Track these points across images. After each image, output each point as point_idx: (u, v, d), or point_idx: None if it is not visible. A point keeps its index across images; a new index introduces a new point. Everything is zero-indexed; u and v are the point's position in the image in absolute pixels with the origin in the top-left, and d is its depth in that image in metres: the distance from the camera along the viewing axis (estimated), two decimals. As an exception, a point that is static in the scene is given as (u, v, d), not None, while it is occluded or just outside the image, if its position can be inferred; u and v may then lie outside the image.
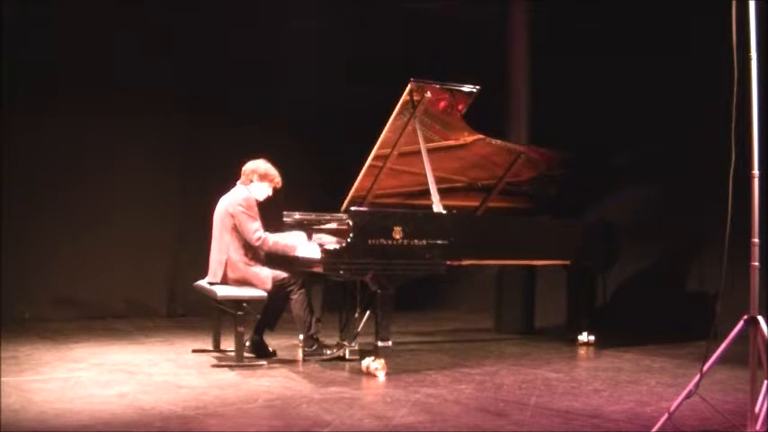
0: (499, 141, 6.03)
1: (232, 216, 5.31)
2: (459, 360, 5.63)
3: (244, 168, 5.51)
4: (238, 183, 5.51)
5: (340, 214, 5.73)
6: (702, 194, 6.35)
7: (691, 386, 3.42)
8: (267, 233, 5.31)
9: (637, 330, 6.87)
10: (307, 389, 4.48)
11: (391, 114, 5.35)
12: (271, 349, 5.52)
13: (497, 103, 7.22)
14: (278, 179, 5.53)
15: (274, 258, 5.43)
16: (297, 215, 5.95)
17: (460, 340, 6.80)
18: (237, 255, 5.30)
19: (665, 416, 3.41)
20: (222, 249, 5.35)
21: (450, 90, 5.46)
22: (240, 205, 5.30)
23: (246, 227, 5.26)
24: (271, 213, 5.62)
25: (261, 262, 5.38)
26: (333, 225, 5.66)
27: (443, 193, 5.56)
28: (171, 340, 6.23)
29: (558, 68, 7.45)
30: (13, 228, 6.92)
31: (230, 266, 5.29)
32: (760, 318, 3.22)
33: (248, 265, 5.30)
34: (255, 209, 5.35)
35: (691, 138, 6.76)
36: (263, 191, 5.51)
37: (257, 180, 5.47)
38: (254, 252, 5.34)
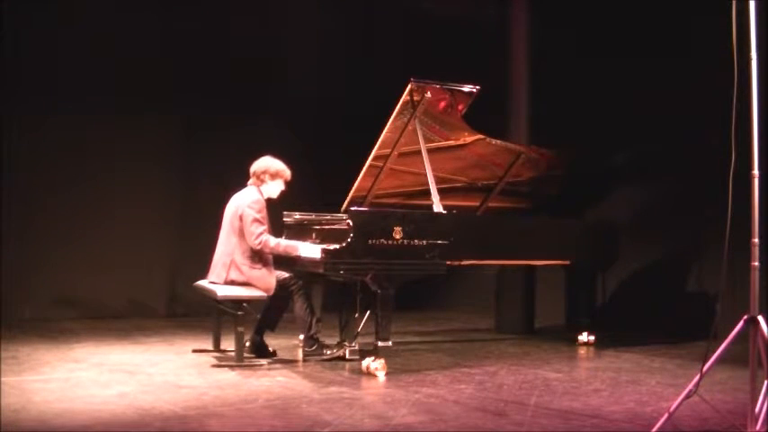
0: (499, 141, 6.03)
1: (241, 218, 5.30)
2: (460, 360, 5.63)
3: (253, 169, 5.47)
4: (249, 184, 5.48)
5: (340, 214, 5.72)
6: (702, 194, 6.35)
7: (691, 386, 3.42)
8: (269, 236, 5.27)
9: (637, 330, 6.87)
10: (307, 389, 4.48)
11: (391, 114, 5.35)
12: (271, 349, 5.51)
13: (497, 103, 7.23)
14: (288, 173, 5.49)
15: (275, 259, 5.42)
16: (297, 215, 5.96)
17: (460, 340, 6.80)
18: (243, 258, 5.27)
19: (665, 416, 3.41)
20: (228, 251, 5.33)
21: (451, 90, 5.47)
22: (250, 207, 5.26)
23: (249, 229, 5.23)
24: (271, 213, 5.61)
25: (266, 265, 5.32)
26: (333, 225, 5.66)
27: (443, 193, 5.56)
28: (171, 340, 6.23)
29: (558, 68, 7.46)
30: (13, 228, 6.92)
31: (235, 268, 5.27)
32: (760, 318, 3.22)
33: (253, 268, 5.27)
34: (264, 212, 5.31)
35: (691, 138, 6.76)
36: (277, 188, 5.49)
37: (269, 179, 5.45)
38: (259, 255, 5.28)
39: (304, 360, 5.42)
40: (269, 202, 5.46)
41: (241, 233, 5.29)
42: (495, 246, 5.76)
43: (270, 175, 5.44)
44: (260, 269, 5.28)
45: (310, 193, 7.13)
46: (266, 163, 5.46)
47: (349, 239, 4.93)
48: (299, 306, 5.41)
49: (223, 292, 5.16)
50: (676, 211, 7.01)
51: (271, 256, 5.34)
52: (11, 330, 6.25)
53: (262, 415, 3.85)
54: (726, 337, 3.28)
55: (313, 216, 5.91)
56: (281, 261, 5.45)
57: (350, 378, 4.88)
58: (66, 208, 7.32)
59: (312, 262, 5.21)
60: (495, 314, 7.54)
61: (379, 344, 4.98)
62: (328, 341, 5.60)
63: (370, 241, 4.95)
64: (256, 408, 3.99)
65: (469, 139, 5.87)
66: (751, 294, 3.28)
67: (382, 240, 4.97)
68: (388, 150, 5.63)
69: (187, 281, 5.94)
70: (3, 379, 4.44)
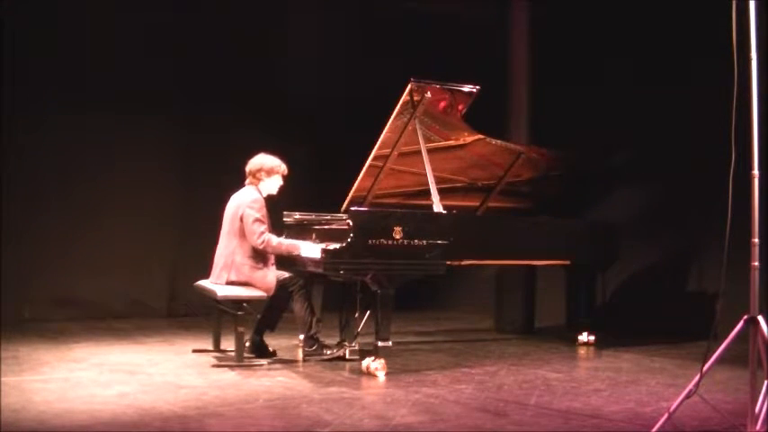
0: (499, 141, 6.03)
1: (241, 219, 5.29)
2: (460, 360, 5.63)
3: (248, 168, 5.46)
4: (247, 183, 5.48)
5: (340, 214, 5.73)
6: (702, 194, 6.35)
7: (691, 386, 3.42)
8: (271, 235, 5.27)
9: (637, 330, 6.87)
10: (307, 389, 4.48)
11: (391, 114, 5.35)
12: (271, 349, 5.51)
13: (497, 103, 7.22)
14: (284, 167, 5.48)
15: (276, 258, 5.42)
16: (297, 215, 5.96)
17: (460, 340, 6.79)
18: (244, 258, 5.27)
19: (665, 416, 3.41)
20: (229, 252, 5.32)
21: (451, 90, 5.47)
22: (250, 207, 5.25)
23: (251, 229, 5.22)
24: (271, 214, 5.61)
25: (267, 265, 5.32)
26: (333, 225, 5.66)
27: (443, 193, 5.56)
28: (171, 340, 6.23)
29: (558, 68, 7.45)
30: (13, 228, 6.91)
31: (235, 269, 5.27)
32: (760, 318, 3.22)
33: (254, 268, 5.26)
34: (264, 211, 5.31)
35: (691, 138, 6.76)
36: (275, 184, 5.49)
37: (265, 177, 5.44)
38: (260, 255, 5.28)
39: (304, 360, 5.42)
40: (270, 198, 5.47)
41: (241, 233, 5.29)
42: (495, 246, 5.76)
43: (265, 172, 5.44)
44: (261, 269, 5.28)
45: (310, 193, 7.13)
46: (260, 160, 5.46)
47: (349, 239, 4.93)
48: (298, 306, 5.41)
49: (223, 292, 5.16)
50: (676, 211, 7.01)
51: (272, 256, 5.34)
52: (11, 330, 6.25)
53: (262, 415, 3.85)
54: (726, 337, 3.28)
55: (313, 216, 5.91)
56: (282, 261, 5.46)
57: (350, 378, 4.88)
58: (67, 208, 7.31)
59: (312, 262, 5.21)
60: (495, 314, 7.54)
61: (379, 344, 4.98)
62: (328, 341, 5.59)
63: (370, 241, 4.95)
64: (256, 408, 3.99)
65: (469, 139, 5.87)
66: (751, 294, 3.28)
67: (382, 240, 4.97)
68: (388, 150, 5.64)
69: (187, 281, 5.94)
70: (3, 379, 4.44)
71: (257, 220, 5.23)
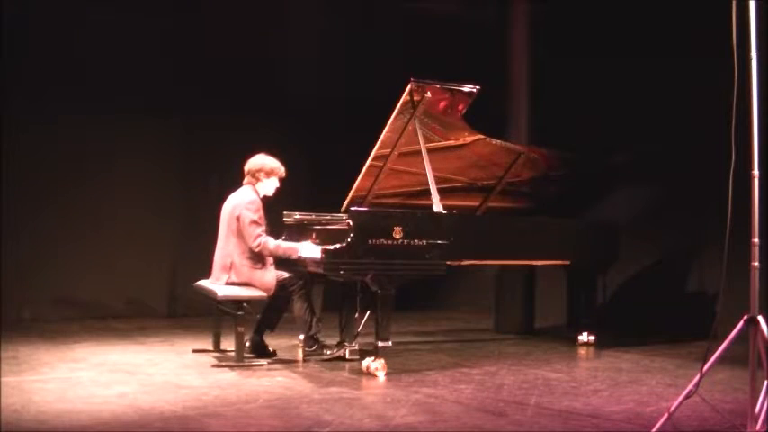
0: (499, 141, 6.03)
1: (238, 219, 5.30)
2: (459, 360, 5.63)
3: (248, 168, 5.47)
4: (245, 183, 5.48)
5: (340, 214, 5.73)
6: (702, 194, 6.35)
7: (691, 386, 3.42)
8: (268, 238, 5.25)
9: (637, 330, 6.87)
10: (307, 389, 4.48)
11: (391, 114, 5.35)
12: (271, 349, 5.51)
13: (497, 103, 7.22)
14: (282, 170, 5.50)
15: (275, 259, 5.42)
16: (297, 215, 5.96)
17: (460, 340, 6.80)
18: (242, 258, 5.27)
19: (665, 416, 3.41)
20: (227, 252, 5.32)
21: (451, 90, 5.46)
22: (247, 209, 5.25)
23: (248, 231, 5.22)
24: (271, 214, 5.61)
25: (267, 264, 5.32)
26: (333, 225, 5.65)
27: (443, 193, 5.56)
28: (171, 340, 6.23)
29: (558, 68, 7.46)
30: (13, 228, 6.92)
31: (235, 270, 5.27)
32: (760, 318, 3.22)
33: (253, 268, 5.26)
34: (261, 212, 5.30)
35: (691, 138, 6.76)
36: (272, 186, 5.49)
37: (264, 177, 5.45)
38: (259, 255, 5.27)
39: (304, 360, 5.43)
40: (266, 199, 5.47)
41: (239, 234, 5.28)
42: (495, 246, 5.76)
43: (265, 173, 5.44)
44: (260, 269, 5.28)
45: (310, 193, 7.13)
46: (261, 161, 5.46)
47: (349, 239, 4.93)
48: (298, 306, 5.41)
49: (223, 292, 5.16)
50: (676, 211, 7.01)
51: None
52: (11, 330, 6.25)
53: (262, 415, 3.85)
54: (726, 337, 3.28)
55: (313, 216, 5.91)
56: (281, 261, 5.46)
57: (350, 378, 4.88)
58: (66, 208, 7.32)
59: (312, 262, 5.21)
60: (495, 314, 7.53)
61: (379, 344, 4.98)
62: (328, 341, 5.60)
63: (370, 241, 4.95)
64: (256, 408, 3.99)
65: (469, 139, 5.87)
66: (751, 294, 3.28)
67: (382, 240, 4.97)
68: (388, 150, 5.63)
69: (187, 281, 5.95)
70: (3, 379, 4.45)
71: (254, 222, 5.23)
